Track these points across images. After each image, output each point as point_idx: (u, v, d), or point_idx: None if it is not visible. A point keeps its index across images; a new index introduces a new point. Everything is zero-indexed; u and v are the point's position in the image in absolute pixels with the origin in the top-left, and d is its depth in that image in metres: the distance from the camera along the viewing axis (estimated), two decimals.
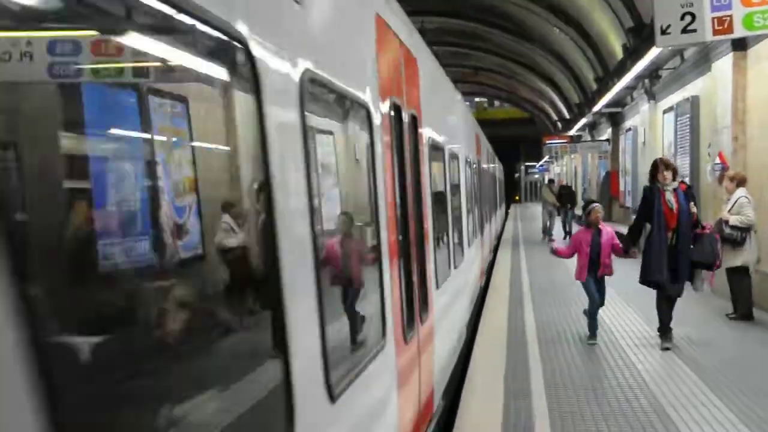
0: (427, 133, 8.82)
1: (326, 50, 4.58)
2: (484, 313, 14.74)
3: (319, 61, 4.20)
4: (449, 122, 12.54)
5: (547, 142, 46.94)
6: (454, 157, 12.34)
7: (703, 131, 17.13)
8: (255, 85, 3.21)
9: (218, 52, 3.11)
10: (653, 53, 17.57)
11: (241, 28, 3.10)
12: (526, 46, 35.58)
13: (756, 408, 8.05)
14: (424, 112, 8.50)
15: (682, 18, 9.16)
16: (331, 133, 5.27)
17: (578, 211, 35.72)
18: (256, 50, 3.25)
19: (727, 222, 11.86)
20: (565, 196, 29.42)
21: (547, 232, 29.24)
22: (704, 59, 16.27)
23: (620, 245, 11.32)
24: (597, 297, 11.40)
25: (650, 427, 7.58)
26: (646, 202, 11.00)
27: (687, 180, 18.28)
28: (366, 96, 5.41)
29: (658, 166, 11.00)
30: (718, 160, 14.92)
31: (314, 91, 4.16)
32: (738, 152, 14.23)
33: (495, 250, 26.64)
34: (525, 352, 10.89)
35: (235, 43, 3.09)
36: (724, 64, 14.72)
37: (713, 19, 9.00)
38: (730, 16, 8.89)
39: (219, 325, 3.19)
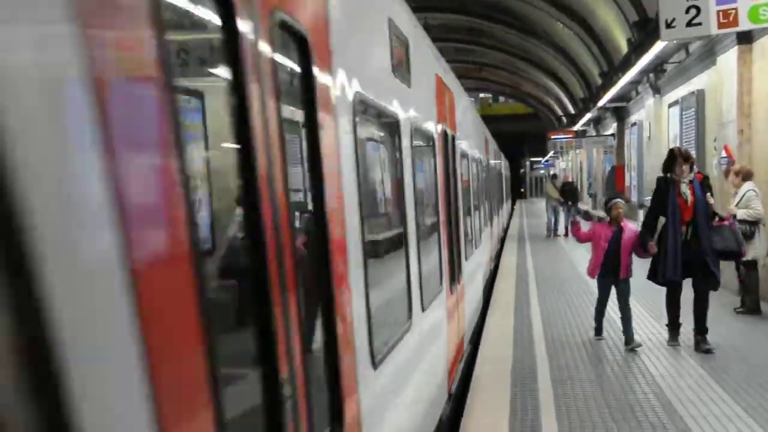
0: (459, 145, 12.21)
1: (420, 106, 7.84)
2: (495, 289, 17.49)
3: (419, 115, 7.56)
4: (471, 135, 15.80)
5: (552, 137, 47.05)
6: (473, 161, 15.43)
7: (709, 125, 17.09)
8: (399, 132, 6.24)
9: (392, 126, 6.11)
10: (658, 47, 17.56)
11: (397, 109, 6.08)
12: (530, 42, 35.58)
13: (765, 402, 8.03)
14: (457, 131, 11.87)
15: (687, 11, 9.14)
16: (423, 154, 8.19)
17: (583, 206, 35.95)
18: (401, 116, 6.28)
19: (735, 216, 11.83)
20: (567, 192, 29.28)
21: (552, 229, 29.16)
22: (709, 53, 16.23)
23: (638, 244, 10.63)
24: (606, 296, 10.99)
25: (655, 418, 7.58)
26: (660, 194, 10.43)
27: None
28: (432, 126, 8.70)
29: (675, 158, 10.53)
30: (724, 154, 14.90)
31: (418, 129, 7.32)
32: (743, 146, 14.21)
33: (502, 242, 27.46)
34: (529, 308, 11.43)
35: (396, 118, 6.12)
36: (729, 58, 14.66)
37: (718, 12, 8.98)
38: (736, 8, 8.86)
39: (392, 258, 6.05)
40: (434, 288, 7.80)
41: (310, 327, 3.12)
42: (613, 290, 11.02)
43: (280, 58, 3.10)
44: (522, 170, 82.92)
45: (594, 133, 38.05)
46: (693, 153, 18.12)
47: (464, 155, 13.29)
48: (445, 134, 9.93)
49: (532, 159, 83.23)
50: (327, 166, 3.60)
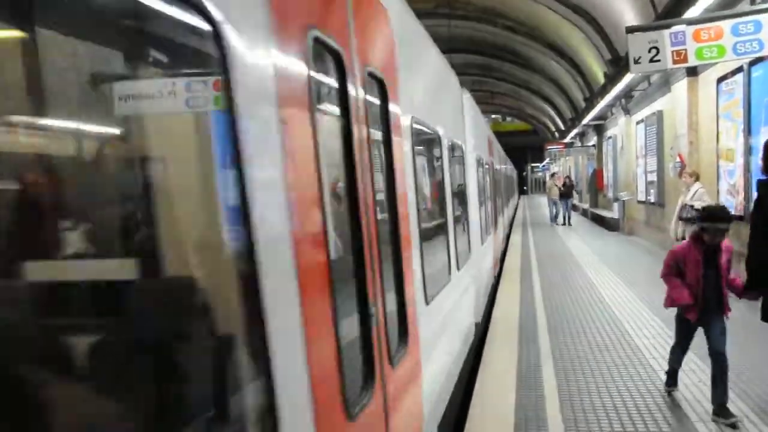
0: (483, 157, 12.62)
1: (456, 126, 8.38)
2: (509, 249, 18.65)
3: (454, 133, 7.97)
4: (493, 148, 16.60)
5: (548, 147, 46.65)
6: (486, 164, 14.69)
7: (666, 137, 17.06)
8: (441, 148, 6.57)
9: (434, 142, 6.34)
10: (627, 78, 17.53)
11: (439, 129, 6.42)
12: (531, 75, 35.46)
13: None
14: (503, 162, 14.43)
15: (650, 51, 9.11)
16: (459, 163, 8.61)
17: (576, 202, 35.73)
18: (443, 136, 6.61)
19: (692, 207, 11.86)
20: (566, 189, 28.96)
21: (553, 218, 28.93)
22: (666, 83, 16.22)
23: (737, 280, 5.82)
24: (689, 339, 6.21)
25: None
26: (763, 205, 5.45)
27: (654, 176, 18.28)
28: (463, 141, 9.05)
29: None
30: (678, 160, 14.86)
31: (453, 144, 7.63)
32: (693, 154, 14.22)
33: (511, 226, 27.23)
34: (530, 276, 11.13)
35: (438, 136, 6.37)
36: (681, 86, 14.67)
37: (673, 51, 8.95)
38: (686, 49, 8.84)
39: (439, 233, 6.36)
40: (465, 254, 8.03)
41: (388, 277, 3.60)
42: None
43: (369, 94, 3.53)
44: (524, 173, 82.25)
45: (579, 144, 37.74)
46: (655, 159, 18.24)
47: (486, 165, 13.89)
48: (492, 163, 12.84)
49: (533, 164, 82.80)
50: (398, 171, 4.12)
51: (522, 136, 69.22)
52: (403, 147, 4.32)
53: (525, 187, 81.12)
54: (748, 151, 10.99)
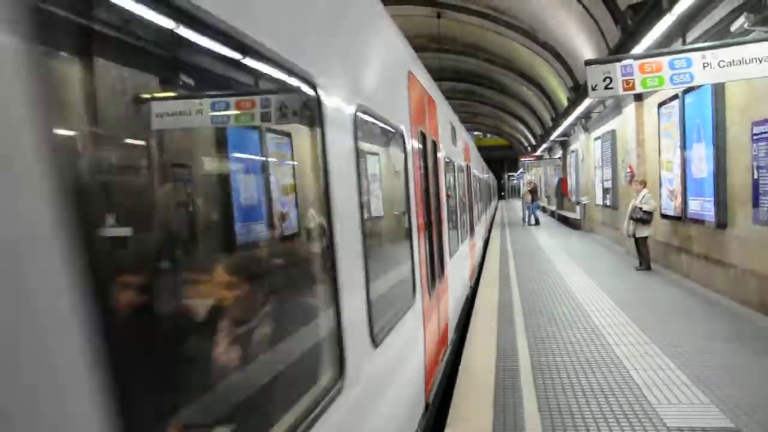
0: (474, 172, 13.81)
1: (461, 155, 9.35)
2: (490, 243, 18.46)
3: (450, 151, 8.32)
4: (478, 165, 17.07)
5: (522, 159, 46.77)
6: (479, 179, 17.16)
7: (619, 151, 17.26)
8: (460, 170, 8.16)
9: (458, 167, 7.74)
10: (586, 102, 17.76)
11: (457, 159, 7.98)
12: (506, 99, 35.66)
13: (643, 315, 8.34)
14: (473, 163, 13.55)
15: (604, 80, 9.25)
16: (461, 171, 9.73)
17: (541, 203, 35.87)
18: (441, 148, 6.74)
19: (641, 209, 12.14)
20: (533, 193, 29.29)
21: (526, 220, 29.02)
22: (618, 106, 16.42)
23: None
24: None
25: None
26: None
27: (610, 183, 18.48)
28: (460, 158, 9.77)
29: None
30: (628, 170, 15.07)
31: (460, 166, 8.92)
32: (641, 165, 14.42)
33: (491, 224, 27.66)
34: (507, 261, 11.30)
35: (433, 146, 6.15)
36: (630, 110, 14.90)
37: (623, 80, 9.11)
38: (633, 79, 9.01)
39: (452, 226, 7.47)
40: (462, 239, 9.45)
41: (427, 254, 5.08)
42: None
43: (422, 143, 5.21)
44: (502, 181, 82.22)
45: (548, 157, 37.85)
46: (610, 169, 18.43)
47: (478, 177, 15.77)
48: (468, 166, 11.98)
49: (509, 173, 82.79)
50: (431, 185, 5.78)
51: (500, 150, 69.31)
52: (443, 174, 7.04)
53: (503, 193, 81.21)
54: (684, 162, 11.28)
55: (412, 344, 4.31)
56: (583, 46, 17.54)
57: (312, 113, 2.41)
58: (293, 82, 2.25)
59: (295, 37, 2.26)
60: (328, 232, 2.48)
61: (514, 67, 26.69)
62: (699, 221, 10.68)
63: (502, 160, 73.38)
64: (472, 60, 27.23)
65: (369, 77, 3.46)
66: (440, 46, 23.98)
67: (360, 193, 2.96)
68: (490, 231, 23.66)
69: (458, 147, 10.12)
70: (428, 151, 5.71)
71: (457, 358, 7.10)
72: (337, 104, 2.65)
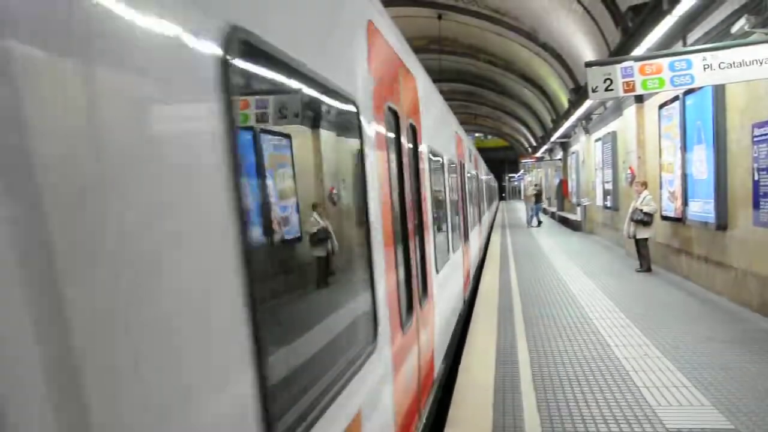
0: (469, 170, 13.38)
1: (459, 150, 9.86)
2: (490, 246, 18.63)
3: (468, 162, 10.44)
4: (475, 160, 16.30)
5: (522, 160, 46.81)
6: (476, 178, 15.98)
7: (620, 153, 17.25)
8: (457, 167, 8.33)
9: (449, 163, 7.63)
10: (587, 104, 17.77)
11: (449, 154, 8.16)
12: (507, 100, 35.65)
13: (645, 313, 8.33)
14: (479, 168, 14.85)
15: (605, 82, 9.24)
16: (452, 168, 8.87)
17: (543, 205, 35.87)
18: (423, 136, 5.83)
19: (641, 210, 12.14)
20: (537, 195, 29.21)
21: (529, 222, 28.73)
22: (618, 108, 16.42)
23: None
24: None
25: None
26: None
27: (610, 185, 18.46)
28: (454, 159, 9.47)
29: None
30: (629, 171, 15.07)
31: (460, 163, 10.01)
32: (641, 166, 14.41)
33: (492, 224, 28.10)
34: (507, 263, 11.30)
35: (445, 157, 7.11)
36: (630, 111, 14.89)
37: (623, 82, 9.10)
38: (634, 81, 9.01)
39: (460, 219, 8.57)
40: (454, 247, 8.64)
41: (400, 277, 4.22)
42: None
43: (410, 133, 4.89)
44: (503, 182, 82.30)
45: (549, 158, 37.87)
46: (610, 171, 18.39)
47: (474, 176, 15.27)
48: (461, 163, 11.02)
49: (510, 175, 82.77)
50: (423, 179, 5.56)
51: (501, 151, 69.43)
52: (424, 165, 5.72)
53: (503, 194, 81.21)
54: (684, 164, 11.27)
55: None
56: (583, 47, 17.54)
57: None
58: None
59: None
60: None
61: (514, 69, 26.69)
62: (699, 223, 10.67)
63: (502, 162, 73.45)
64: (472, 61, 27.24)
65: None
66: (441, 47, 23.99)
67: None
68: (490, 233, 23.61)
69: (447, 136, 8.64)
70: (403, 137, 4.42)
71: (455, 363, 7.09)
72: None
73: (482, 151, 31.53)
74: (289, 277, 2.23)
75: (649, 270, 12.59)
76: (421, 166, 5.36)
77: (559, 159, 33.07)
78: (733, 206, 9.44)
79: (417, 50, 6.14)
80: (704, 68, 8.02)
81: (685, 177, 11.28)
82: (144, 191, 1.21)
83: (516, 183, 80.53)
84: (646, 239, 12.47)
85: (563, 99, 24.29)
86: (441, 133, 7.70)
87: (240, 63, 1.63)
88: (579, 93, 19.63)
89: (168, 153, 1.32)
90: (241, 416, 1.54)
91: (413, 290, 4.29)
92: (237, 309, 1.52)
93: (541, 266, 14.22)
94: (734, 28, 8.74)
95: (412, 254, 4.34)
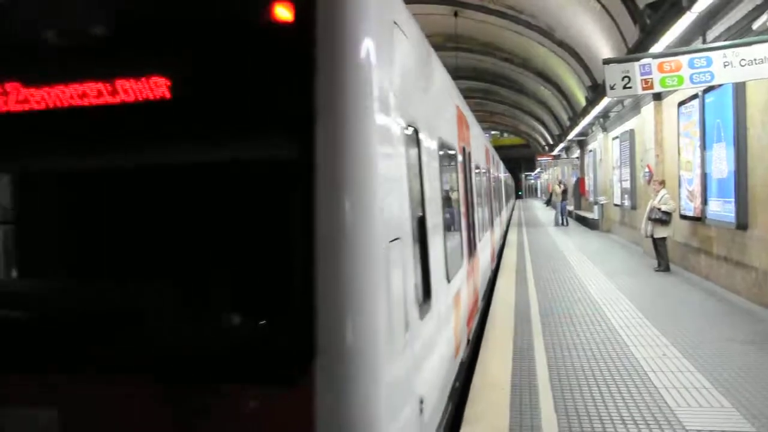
0: (501, 174, 16.89)
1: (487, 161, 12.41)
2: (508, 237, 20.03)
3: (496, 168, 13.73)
4: (487, 151, 16.98)
5: (539, 159, 46.64)
6: (497, 178, 17.42)
7: (637, 151, 17.13)
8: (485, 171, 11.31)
9: (482, 170, 10.52)
10: (605, 102, 17.63)
11: (483, 164, 10.69)
12: (523, 98, 35.49)
13: (661, 308, 8.26)
14: (499, 171, 17.21)
15: (623, 79, 9.21)
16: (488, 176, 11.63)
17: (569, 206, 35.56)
18: (483, 167, 9.78)
19: (659, 209, 12.04)
20: (563, 194, 28.50)
21: (558, 222, 27.34)
22: (636, 106, 16.30)
23: None
24: None
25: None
26: None
27: (628, 183, 18.32)
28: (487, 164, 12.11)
29: None
30: (647, 170, 14.95)
31: (489, 169, 12.89)
32: (659, 165, 14.30)
33: (509, 222, 27.68)
34: (523, 261, 11.27)
35: (483, 167, 10.16)
36: (648, 109, 14.76)
37: (641, 80, 9.05)
38: (652, 78, 8.95)
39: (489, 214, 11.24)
40: (501, 217, 13.19)
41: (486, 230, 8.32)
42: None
43: (465, 154, 7.09)
44: (520, 180, 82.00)
45: (565, 156, 37.71)
46: (628, 169, 18.25)
47: (497, 178, 17.82)
48: (489, 169, 13.36)
49: (526, 173, 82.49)
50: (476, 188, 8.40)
51: (517, 149, 69.09)
52: (473, 174, 8.53)
53: (520, 192, 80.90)
54: (704, 163, 11.15)
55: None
56: (601, 44, 17.40)
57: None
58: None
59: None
60: None
61: (531, 66, 26.54)
62: (719, 222, 10.55)
63: (519, 160, 73.06)
64: (489, 59, 27.11)
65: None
66: (457, 45, 23.91)
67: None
68: (507, 230, 23.54)
69: (483, 154, 11.07)
70: (470, 161, 8.30)
71: (472, 360, 7.08)
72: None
73: (499, 148, 31.41)
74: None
75: (667, 269, 12.48)
76: (474, 177, 8.46)
77: (576, 157, 32.88)
78: (753, 205, 9.32)
79: (433, 47, 6.07)
80: (724, 65, 7.92)
81: (704, 175, 11.14)
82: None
83: (533, 181, 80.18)
84: (664, 238, 12.36)
85: (580, 97, 24.12)
86: (480, 154, 11.00)
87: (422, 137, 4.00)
88: (596, 91, 19.48)
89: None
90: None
91: (474, 243, 7.56)
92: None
93: (557, 265, 14.14)
94: (756, 25, 8.61)
95: (475, 226, 7.84)
